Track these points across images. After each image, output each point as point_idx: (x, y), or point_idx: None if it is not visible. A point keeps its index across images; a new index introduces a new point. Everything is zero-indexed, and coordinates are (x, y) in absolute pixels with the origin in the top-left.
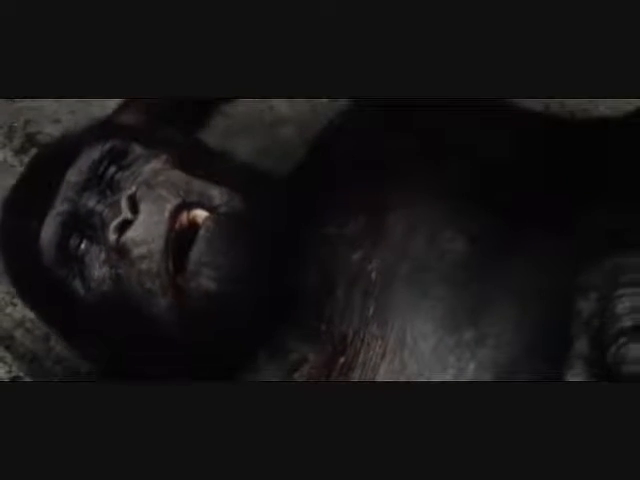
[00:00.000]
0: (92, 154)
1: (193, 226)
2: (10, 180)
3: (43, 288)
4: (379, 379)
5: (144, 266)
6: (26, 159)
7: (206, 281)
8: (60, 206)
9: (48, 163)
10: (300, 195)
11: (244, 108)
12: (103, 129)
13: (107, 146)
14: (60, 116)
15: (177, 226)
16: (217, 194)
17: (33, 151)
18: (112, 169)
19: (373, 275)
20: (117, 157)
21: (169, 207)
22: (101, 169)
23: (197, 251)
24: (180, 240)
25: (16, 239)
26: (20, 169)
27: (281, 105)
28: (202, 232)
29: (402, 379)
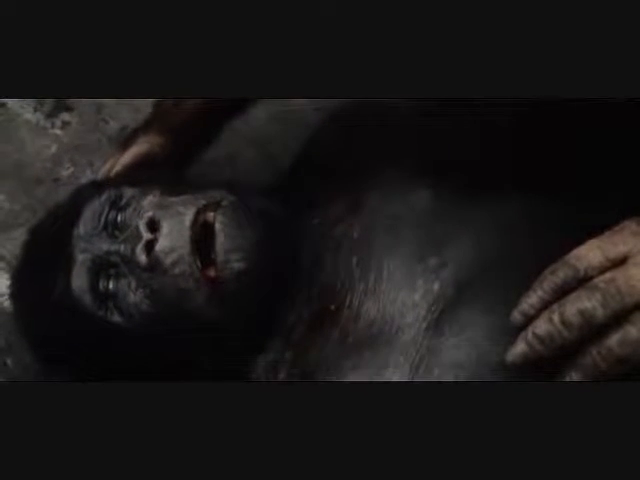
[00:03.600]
0: (92, 207)
1: (209, 226)
2: (43, 141)
3: (84, 334)
4: (365, 315)
5: (177, 270)
6: (57, 122)
7: (237, 264)
8: (81, 257)
9: (53, 229)
10: (288, 194)
11: None
12: (94, 186)
13: (104, 197)
14: None
15: (197, 228)
16: (216, 193)
17: (64, 115)
18: (113, 213)
19: (355, 235)
20: (114, 203)
21: (188, 217)
22: (104, 217)
23: (219, 243)
24: (202, 240)
25: (43, 298)
26: (52, 131)
27: None
28: (217, 226)
29: (379, 305)
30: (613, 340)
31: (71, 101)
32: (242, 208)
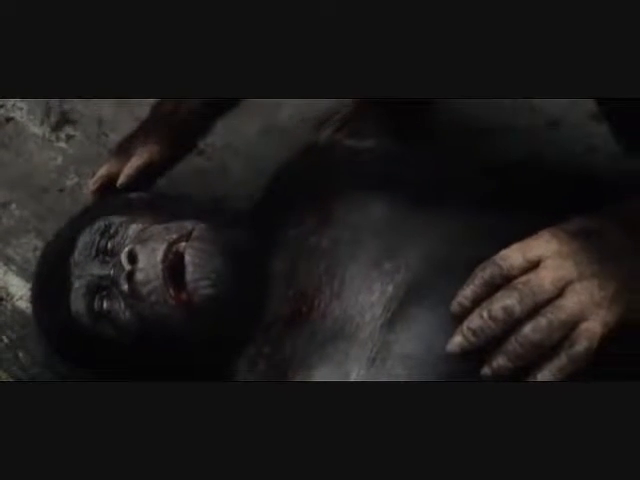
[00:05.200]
0: (85, 238)
1: (180, 256)
2: (49, 153)
3: (82, 344)
4: (330, 315)
5: (153, 298)
6: (62, 135)
7: (206, 290)
8: (77, 283)
9: (54, 259)
10: (263, 213)
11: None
12: (86, 218)
13: (94, 227)
14: None
15: (168, 262)
16: (188, 224)
17: (68, 128)
18: (103, 242)
19: (324, 245)
20: (104, 232)
21: (159, 252)
22: (95, 245)
23: (189, 273)
24: (174, 270)
25: (53, 315)
26: (57, 144)
27: None
28: (187, 258)
29: (342, 306)
30: (528, 328)
31: (74, 115)
32: (211, 238)
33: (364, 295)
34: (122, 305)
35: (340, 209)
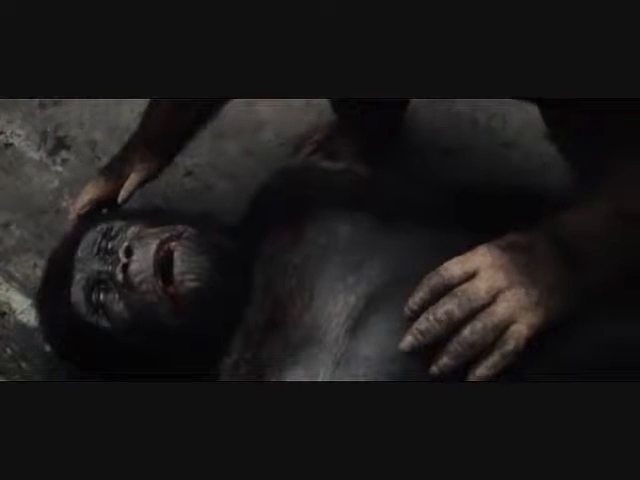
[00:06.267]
0: (90, 238)
1: (170, 252)
2: (46, 176)
3: (80, 332)
4: (302, 323)
5: (144, 287)
6: (58, 159)
7: (191, 283)
8: (78, 276)
9: (61, 256)
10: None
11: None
12: (91, 218)
13: (98, 228)
14: (84, 121)
15: (160, 256)
16: (180, 227)
17: (63, 152)
18: (104, 242)
19: (296, 262)
20: (106, 233)
21: (152, 247)
22: (97, 244)
23: (177, 267)
24: (164, 264)
25: (55, 308)
26: (53, 168)
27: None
28: (176, 254)
29: (312, 316)
30: (466, 331)
31: (69, 140)
32: (199, 240)
33: (330, 305)
34: (116, 297)
35: (311, 229)
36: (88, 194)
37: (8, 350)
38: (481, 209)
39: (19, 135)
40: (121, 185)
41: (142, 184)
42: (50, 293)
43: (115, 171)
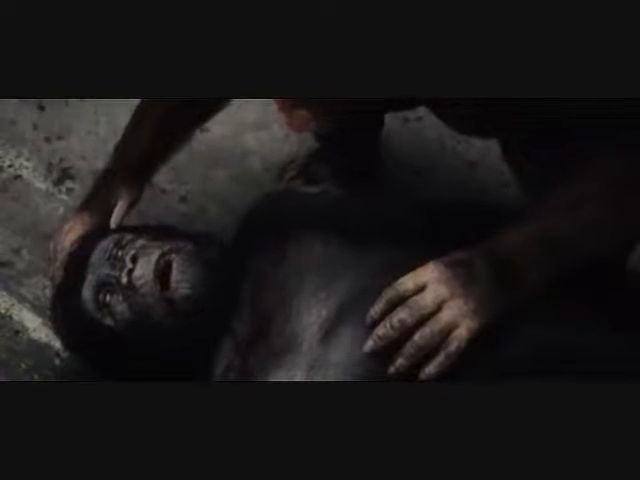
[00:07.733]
0: (104, 245)
1: (169, 262)
2: (53, 204)
3: (86, 327)
4: (283, 333)
5: (144, 290)
6: (63, 188)
7: (185, 290)
8: (90, 277)
9: (77, 260)
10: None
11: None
12: (105, 233)
13: (111, 238)
14: (86, 153)
15: (160, 265)
16: (180, 242)
17: (68, 182)
18: (115, 250)
19: (279, 278)
20: (117, 243)
21: (154, 257)
22: (109, 252)
23: (173, 275)
24: (164, 272)
25: (68, 304)
26: (59, 196)
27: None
28: (174, 264)
29: (291, 326)
30: (417, 336)
31: (72, 171)
32: (196, 254)
33: (306, 317)
34: (120, 297)
35: (292, 249)
36: (74, 232)
37: (22, 365)
38: (445, 225)
39: (27, 167)
40: (107, 215)
41: (130, 208)
42: (65, 291)
43: (98, 203)
